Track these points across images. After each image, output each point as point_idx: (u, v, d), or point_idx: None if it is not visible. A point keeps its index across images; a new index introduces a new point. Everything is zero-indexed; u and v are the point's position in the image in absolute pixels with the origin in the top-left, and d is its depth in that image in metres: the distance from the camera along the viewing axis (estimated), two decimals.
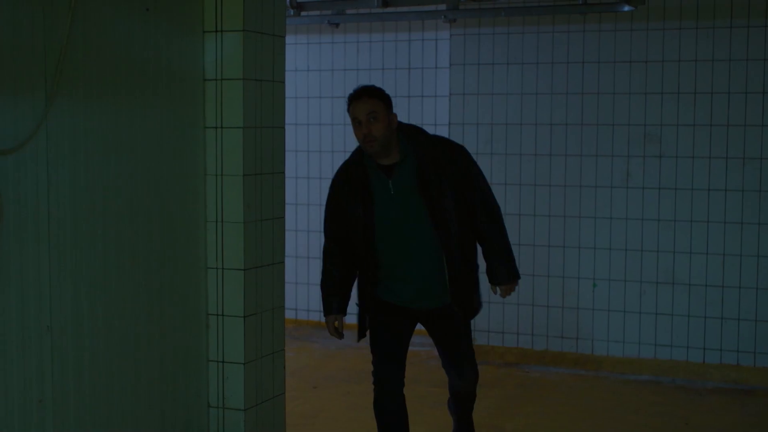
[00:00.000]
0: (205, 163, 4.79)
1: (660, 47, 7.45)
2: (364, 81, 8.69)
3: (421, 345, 8.24)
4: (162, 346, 4.58)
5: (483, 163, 7.90)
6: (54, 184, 3.90)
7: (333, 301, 4.99)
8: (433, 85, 8.47)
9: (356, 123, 4.68)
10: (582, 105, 7.67)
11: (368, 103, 4.64)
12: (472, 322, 5.15)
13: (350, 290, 5.06)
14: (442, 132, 8.35)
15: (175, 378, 4.68)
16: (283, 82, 5.08)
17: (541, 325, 7.90)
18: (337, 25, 7.96)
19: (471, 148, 7.87)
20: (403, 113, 8.62)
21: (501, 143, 7.89)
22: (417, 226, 4.77)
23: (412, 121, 8.57)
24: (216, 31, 4.74)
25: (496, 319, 8.02)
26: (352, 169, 4.83)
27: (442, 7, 7.49)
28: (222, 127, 4.76)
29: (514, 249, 7.80)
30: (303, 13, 7.57)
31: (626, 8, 7.04)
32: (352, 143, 8.81)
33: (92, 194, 4.11)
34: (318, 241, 8.77)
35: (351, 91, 4.76)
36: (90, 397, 4.14)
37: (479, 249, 5.01)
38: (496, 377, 7.55)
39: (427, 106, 8.51)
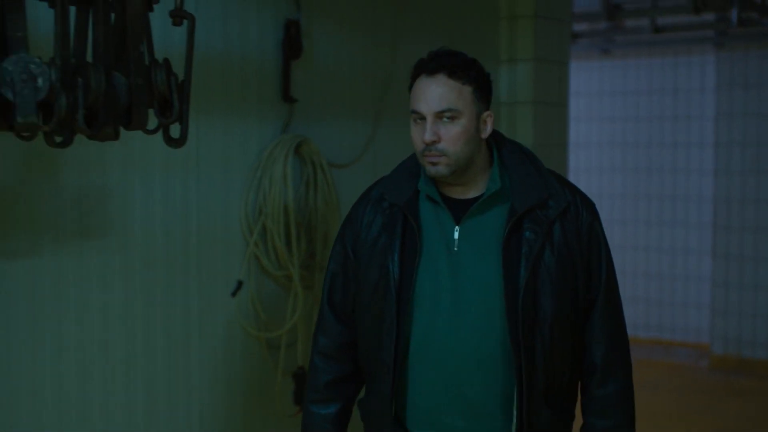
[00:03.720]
0: None
1: None
2: (632, 104, 9.10)
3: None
4: None
5: (749, 181, 8.15)
6: None
7: (322, 422, 2.81)
8: (699, 107, 8.77)
9: (417, 119, 2.55)
10: None
11: (445, 86, 2.49)
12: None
13: (352, 405, 2.88)
14: (707, 153, 8.64)
15: None
16: (566, 104, 5.64)
17: None
18: (607, 51, 8.43)
19: (736, 167, 8.16)
20: (668, 134, 8.95)
21: None
22: (483, 324, 2.58)
23: (679, 144, 8.91)
24: (510, 61, 5.35)
25: (763, 331, 8.21)
26: (392, 193, 2.68)
27: (710, 32, 7.82)
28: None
29: None
30: (578, 41, 8.10)
31: None
32: (619, 163, 9.39)
33: None
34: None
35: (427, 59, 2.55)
36: None
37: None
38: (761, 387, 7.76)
39: (693, 127, 8.81)
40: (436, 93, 2.49)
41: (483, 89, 2.56)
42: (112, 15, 2.34)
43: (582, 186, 9.00)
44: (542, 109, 5.39)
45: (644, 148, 9.00)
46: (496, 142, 2.65)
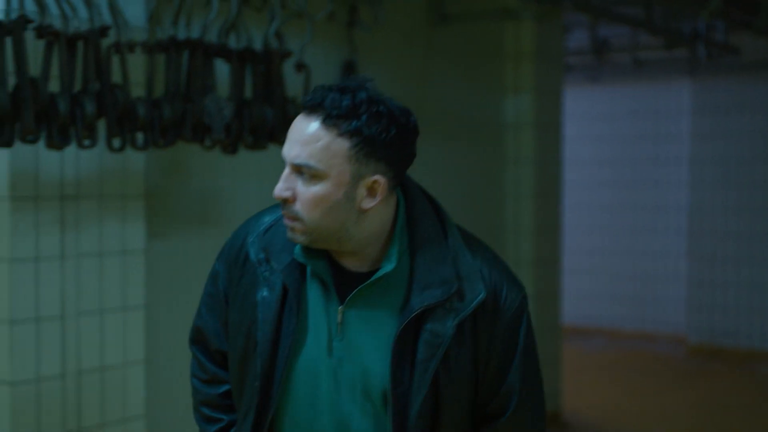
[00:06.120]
0: (505, 186, 6.60)
1: None
2: (617, 126, 10.22)
3: None
4: None
5: (719, 193, 9.34)
6: None
7: None
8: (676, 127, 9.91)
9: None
10: None
11: (313, 135, 1.87)
12: None
13: None
14: (683, 169, 9.76)
15: None
16: (560, 126, 6.83)
17: None
18: (595, 79, 9.65)
19: (708, 181, 9.30)
20: (649, 151, 10.06)
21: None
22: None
23: (659, 160, 10.06)
24: (515, 90, 6.55)
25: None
26: (272, 249, 2.02)
27: (684, 65, 9.01)
28: (520, 158, 6.56)
29: None
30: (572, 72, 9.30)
31: None
32: (607, 177, 10.53)
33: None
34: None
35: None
36: None
37: None
38: None
39: (671, 145, 9.94)
40: (300, 138, 1.86)
41: (375, 146, 1.86)
42: (262, 67, 3.55)
43: (572, 199, 10.05)
44: (542, 130, 6.57)
45: (628, 164, 10.12)
46: (408, 205, 1.99)
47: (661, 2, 6.37)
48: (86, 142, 3.16)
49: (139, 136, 3.33)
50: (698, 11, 6.18)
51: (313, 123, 1.84)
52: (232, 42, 3.59)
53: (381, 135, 1.84)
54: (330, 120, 1.83)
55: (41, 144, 3.19)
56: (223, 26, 3.51)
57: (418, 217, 1.97)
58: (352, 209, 1.88)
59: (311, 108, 1.85)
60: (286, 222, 1.90)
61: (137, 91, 3.41)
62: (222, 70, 3.60)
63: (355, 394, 1.95)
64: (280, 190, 1.87)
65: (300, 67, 3.75)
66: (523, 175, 6.53)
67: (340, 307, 1.94)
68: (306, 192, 1.86)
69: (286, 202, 1.87)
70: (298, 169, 1.86)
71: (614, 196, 10.18)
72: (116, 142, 3.28)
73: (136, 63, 3.44)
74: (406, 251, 1.95)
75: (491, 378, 1.98)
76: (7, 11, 3.01)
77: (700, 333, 9.47)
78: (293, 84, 3.95)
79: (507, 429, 1.99)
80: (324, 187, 1.85)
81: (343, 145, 1.83)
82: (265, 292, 1.97)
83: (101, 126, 3.29)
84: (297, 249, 1.95)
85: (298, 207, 1.87)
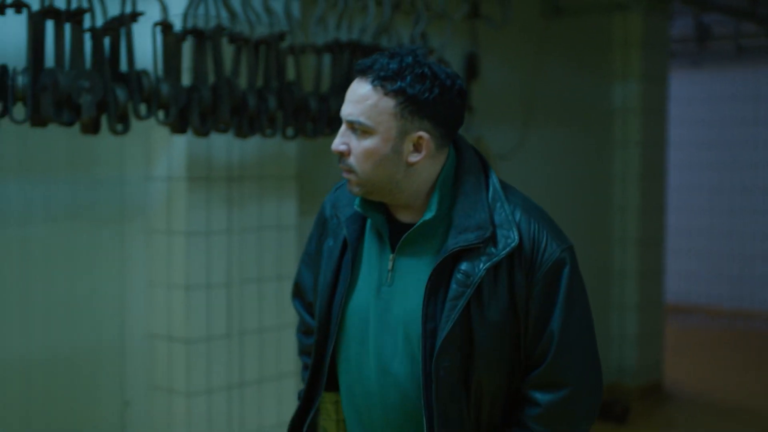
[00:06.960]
0: (613, 168, 6.95)
1: None
2: (719, 111, 10.43)
3: None
4: None
5: None
6: (530, 176, 6.19)
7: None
8: None
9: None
10: None
11: (364, 94, 2.07)
12: None
13: None
14: None
15: None
16: (665, 111, 7.15)
17: None
18: (698, 64, 9.88)
19: None
20: (749, 135, 10.26)
21: None
22: (409, 385, 2.14)
23: (759, 143, 10.27)
24: (623, 77, 6.89)
25: None
26: (340, 203, 2.27)
27: None
28: (627, 142, 6.91)
29: None
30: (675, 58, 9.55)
31: None
32: (706, 160, 10.67)
33: (543, 182, 6.36)
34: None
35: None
36: None
37: None
38: None
39: None
40: (353, 98, 2.07)
41: (419, 104, 2.03)
42: None
43: (675, 180, 10.21)
44: (648, 115, 6.90)
45: (728, 147, 10.31)
46: (458, 162, 2.14)
47: None
48: (268, 132, 3.63)
49: (309, 126, 3.79)
50: None
51: (364, 84, 2.04)
52: (384, 42, 4.04)
53: (424, 94, 2.01)
54: (378, 81, 2.02)
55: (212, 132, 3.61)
56: (376, 29, 3.97)
57: (464, 172, 2.12)
58: (400, 163, 2.06)
59: (363, 71, 2.06)
60: (344, 175, 2.10)
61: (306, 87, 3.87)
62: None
63: (396, 338, 2.11)
64: (337, 144, 2.09)
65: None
66: (630, 157, 6.87)
67: (391, 255, 2.13)
68: (358, 146, 2.05)
69: (342, 156, 2.08)
70: (352, 126, 2.06)
71: (715, 177, 10.36)
72: (290, 131, 3.75)
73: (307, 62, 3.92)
74: (448, 201, 2.10)
75: (532, 327, 2.07)
76: (206, 20, 3.49)
77: None
78: None
79: (547, 374, 2.07)
80: (373, 141, 2.04)
81: (389, 103, 2.02)
82: (330, 242, 2.23)
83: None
84: (357, 201, 2.15)
85: (352, 160, 2.07)
